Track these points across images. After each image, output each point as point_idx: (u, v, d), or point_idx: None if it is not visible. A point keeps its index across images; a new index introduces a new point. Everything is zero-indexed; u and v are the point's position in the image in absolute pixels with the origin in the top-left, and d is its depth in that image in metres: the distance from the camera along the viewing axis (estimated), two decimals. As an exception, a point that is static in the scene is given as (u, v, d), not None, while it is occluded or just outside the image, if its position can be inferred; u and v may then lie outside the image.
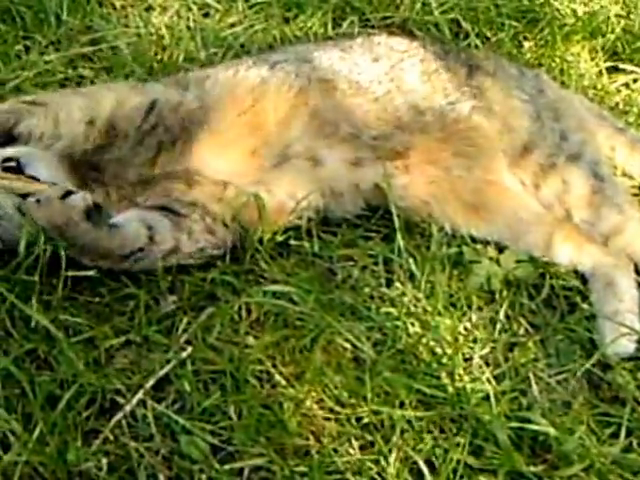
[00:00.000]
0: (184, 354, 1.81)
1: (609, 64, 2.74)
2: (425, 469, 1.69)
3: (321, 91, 2.12)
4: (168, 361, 1.80)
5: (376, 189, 2.11)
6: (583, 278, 2.10)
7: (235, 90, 2.10)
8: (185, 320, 1.88)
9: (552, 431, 1.74)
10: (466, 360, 1.88)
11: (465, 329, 1.95)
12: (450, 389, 1.79)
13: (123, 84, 2.07)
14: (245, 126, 2.07)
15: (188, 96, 2.06)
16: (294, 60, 2.17)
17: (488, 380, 1.84)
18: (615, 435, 1.79)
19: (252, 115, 2.08)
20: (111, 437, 1.69)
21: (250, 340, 1.86)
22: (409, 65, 2.20)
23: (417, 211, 2.12)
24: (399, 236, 2.05)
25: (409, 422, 1.75)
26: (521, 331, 1.97)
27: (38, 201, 1.81)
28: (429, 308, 1.95)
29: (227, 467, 1.67)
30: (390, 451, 1.71)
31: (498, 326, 1.96)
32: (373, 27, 2.69)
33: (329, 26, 2.67)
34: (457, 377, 1.81)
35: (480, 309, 2.00)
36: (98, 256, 1.87)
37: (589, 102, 2.42)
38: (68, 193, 1.83)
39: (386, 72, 2.17)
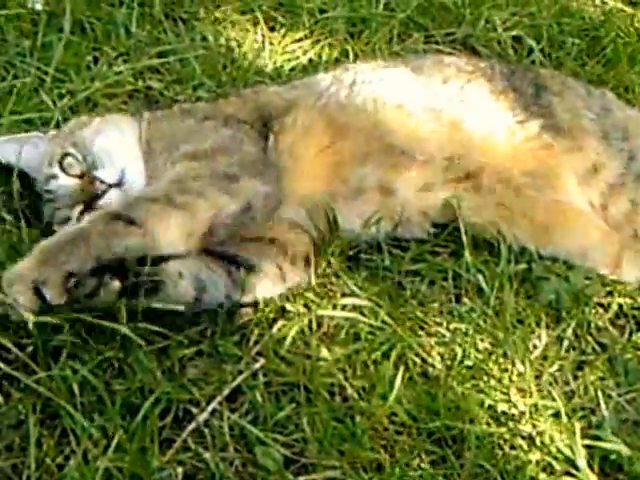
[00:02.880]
0: (256, 365, 1.83)
1: (674, 83, 2.74)
2: (498, 485, 1.70)
3: (395, 117, 2.14)
4: (240, 372, 1.82)
5: (445, 208, 2.12)
6: (651, 297, 2.11)
7: (314, 127, 2.12)
8: (257, 332, 1.90)
9: (624, 450, 1.74)
10: (536, 377, 1.88)
11: (534, 346, 1.96)
12: (521, 405, 1.80)
13: (212, 181, 1.93)
14: (324, 166, 2.08)
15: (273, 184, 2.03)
16: (369, 82, 2.19)
17: (558, 397, 1.84)
18: (686, 455, 1.79)
19: (329, 155, 2.09)
20: (186, 446, 1.71)
21: (322, 353, 1.88)
22: (477, 86, 2.21)
23: (486, 230, 2.12)
24: (467, 252, 2.06)
25: (480, 438, 1.76)
26: (589, 349, 1.98)
27: None
28: (498, 324, 1.96)
29: (301, 479, 1.69)
30: (462, 466, 1.72)
31: (566, 344, 1.97)
32: (437, 43, 2.71)
33: (394, 42, 2.68)
34: (528, 394, 1.82)
35: (548, 326, 2.00)
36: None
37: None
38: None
39: (456, 93, 2.19)
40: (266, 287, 1.97)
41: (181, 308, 1.85)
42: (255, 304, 1.96)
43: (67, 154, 2.03)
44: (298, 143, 2.09)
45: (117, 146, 2.05)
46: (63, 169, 2.03)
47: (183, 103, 2.36)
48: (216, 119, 2.11)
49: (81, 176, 2.02)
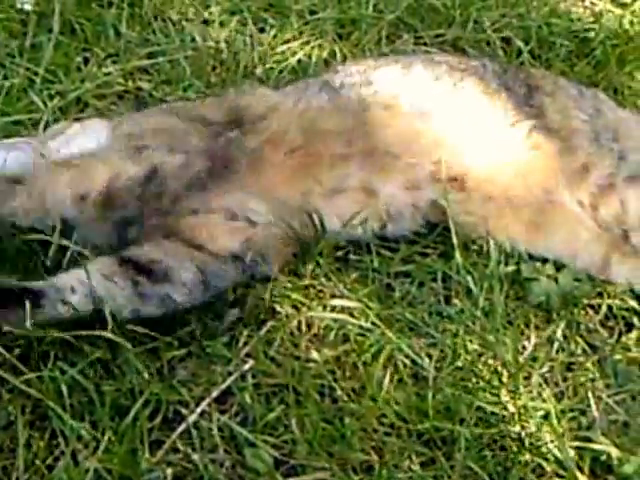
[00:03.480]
0: (246, 367, 1.83)
1: (662, 84, 2.76)
2: (487, 486, 1.70)
3: (382, 119, 2.13)
4: (230, 374, 1.82)
5: (434, 206, 2.12)
6: (640, 298, 2.11)
7: (287, 130, 2.10)
8: (246, 333, 1.89)
9: (614, 451, 1.74)
10: (525, 378, 1.88)
11: (524, 347, 1.96)
12: (511, 407, 1.80)
13: (120, 154, 1.90)
14: (293, 167, 2.06)
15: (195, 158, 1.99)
16: (357, 84, 2.19)
17: (548, 399, 1.84)
18: (676, 456, 1.79)
19: (304, 155, 2.08)
20: (176, 448, 1.71)
21: (311, 354, 1.88)
22: (469, 85, 2.21)
23: (475, 227, 2.12)
24: (457, 253, 2.06)
25: (470, 439, 1.76)
26: (579, 351, 1.98)
27: None
28: (488, 326, 1.96)
29: (290, 480, 1.70)
30: (452, 467, 1.72)
31: (556, 345, 1.97)
32: (426, 44, 2.71)
33: (383, 43, 2.68)
34: (517, 395, 1.82)
35: (538, 328, 2.01)
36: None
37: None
38: None
39: (447, 92, 2.19)
40: (183, 296, 1.88)
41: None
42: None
43: None
44: (266, 144, 2.07)
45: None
46: None
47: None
48: (179, 116, 2.11)
49: None
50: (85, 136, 2.07)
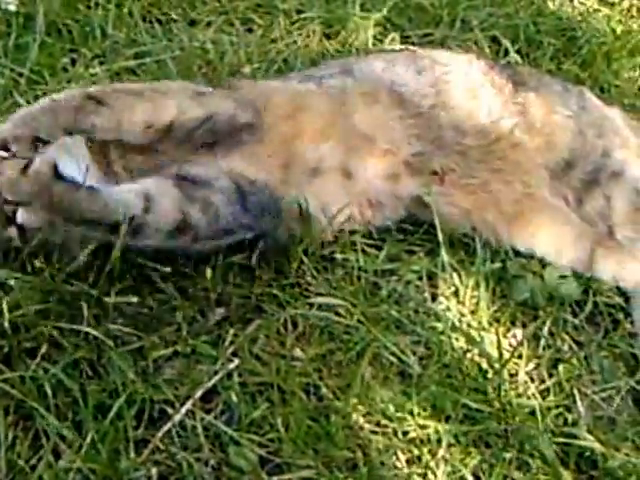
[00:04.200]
0: (231, 366, 1.82)
1: (648, 82, 2.76)
2: (472, 483, 1.70)
3: (361, 103, 2.13)
4: (216, 372, 1.81)
5: (416, 200, 2.13)
6: (626, 295, 2.11)
7: (277, 96, 2.12)
8: (232, 332, 1.89)
9: (598, 447, 1.74)
10: (511, 375, 1.89)
11: (510, 345, 1.96)
12: (496, 404, 1.80)
13: (184, 91, 2.05)
14: (281, 136, 2.07)
15: (242, 111, 2.07)
16: (338, 74, 2.19)
17: (533, 396, 1.84)
18: (660, 452, 1.79)
19: (290, 126, 2.08)
20: (161, 447, 1.70)
21: (296, 353, 1.87)
22: (454, 79, 2.21)
23: (459, 221, 2.13)
24: (443, 251, 2.06)
25: (455, 436, 1.76)
26: (565, 347, 1.98)
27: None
28: (474, 323, 1.97)
29: (275, 479, 1.68)
30: (437, 465, 1.72)
31: (542, 342, 1.97)
32: (413, 44, 2.70)
33: (370, 42, 2.68)
34: (503, 392, 1.82)
35: (524, 325, 2.01)
36: (87, 224, 1.80)
37: (631, 119, 2.43)
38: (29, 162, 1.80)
39: (431, 85, 2.18)
40: (227, 205, 1.94)
41: None
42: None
43: None
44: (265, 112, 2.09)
45: None
46: None
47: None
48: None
49: None
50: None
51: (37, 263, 1.83)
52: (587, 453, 1.76)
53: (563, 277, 2.07)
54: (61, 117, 1.88)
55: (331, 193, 2.07)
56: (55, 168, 1.80)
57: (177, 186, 1.91)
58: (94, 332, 1.79)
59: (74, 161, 1.87)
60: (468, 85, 2.22)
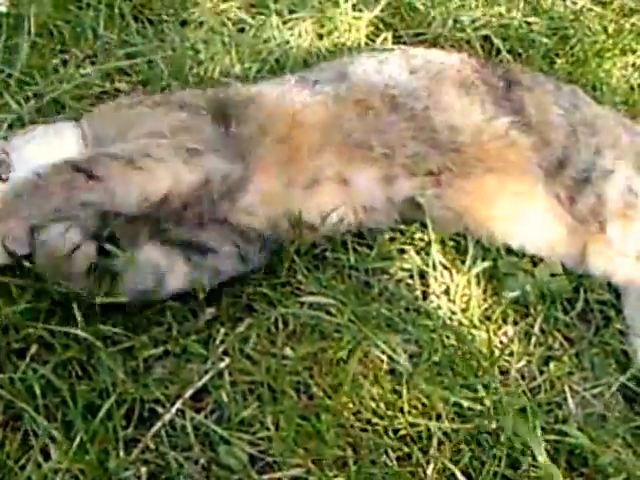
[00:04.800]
0: (222, 365, 1.82)
1: (641, 80, 2.76)
2: (462, 481, 1.70)
3: (356, 111, 2.13)
4: (206, 372, 1.81)
5: (410, 202, 2.12)
6: (617, 292, 2.11)
7: (274, 118, 2.10)
8: (222, 331, 1.88)
9: (588, 444, 1.74)
10: (502, 373, 1.88)
11: (501, 342, 1.96)
12: (487, 402, 1.80)
13: (177, 153, 1.95)
14: (279, 158, 2.07)
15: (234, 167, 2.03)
16: (332, 79, 2.19)
17: (524, 393, 1.84)
18: (651, 449, 1.79)
19: (287, 146, 2.08)
20: (150, 446, 1.70)
21: (287, 351, 1.87)
22: (447, 79, 2.21)
23: (452, 222, 2.13)
24: (434, 249, 2.06)
25: (446, 434, 1.76)
26: (556, 345, 1.98)
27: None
28: (465, 321, 1.96)
29: (265, 477, 1.69)
30: (428, 463, 1.71)
31: (533, 339, 1.97)
32: (405, 44, 2.70)
33: (362, 42, 2.68)
34: (493, 390, 1.81)
35: (515, 322, 2.01)
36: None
37: (622, 118, 2.43)
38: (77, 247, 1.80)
39: (424, 86, 2.18)
40: (227, 267, 1.97)
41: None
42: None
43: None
44: (258, 132, 2.07)
45: (42, 151, 2.01)
46: None
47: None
48: (170, 105, 2.11)
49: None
50: (51, 133, 2.06)
51: (26, 263, 1.83)
52: (578, 450, 1.76)
53: (554, 275, 2.07)
54: (53, 199, 1.81)
55: (327, 201, 2.07)
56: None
57: (186, 260, 1.93)
58: (83, 333, 1.78)
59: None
60: (461, 84, 2.21)
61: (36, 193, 1.81)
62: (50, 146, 2.02)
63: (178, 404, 1.76)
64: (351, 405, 1.78)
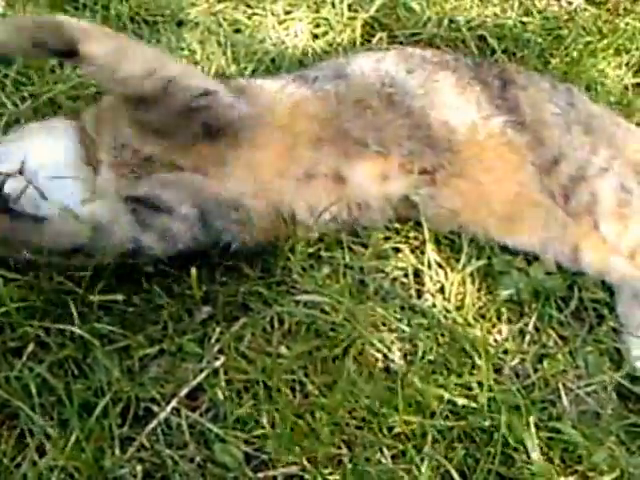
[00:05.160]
0: (217, 363, 1.83)
1: (634, 80, 2.76)
2: (457, 478, 1.70)
3: (354, 109, 2.14)
4: (201, 370, 1.82)
5: (405, 200, 2.13)
6: (611, 290, 2.12)
7: (277, 105, 2.12)
8: (218, 330, 1.89)
9: (582, 441, 1.75)
10: (496, 371, 1.89)
11: (495, 340, 1.97)
12: (481, 399, 1.80)
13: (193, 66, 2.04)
14: (278, 145, 2.07)
15: (241, 102, 2.06)
16: (332, 77, 2.19)
17: (518, 391, 1.85)
18: (645, 446, 1.80)
19: (286, 135, 2.08)
20: (146, 444, 1.71)
21: (282, 350, 1.87)
22: (442, 77, 2.22)
23: (447, 221, 2.14)
24: (429, 248, 2.07)
25: (440, 432, 1.76)
26: (550, 343, 1.99)
27: None
28: (459, 319, 1.97)
29: (260, 475, 1.69)
30: (422, 460, 1.72)
31: (527, 337, 1.98)
32: (401, 44, 2.71)
33: (357, 42, 2.69)
34: (487, 388, 1.82)
35: (510, 320, 2.01)
36: (27, 249, 1.80)
37: (617, 117, 2.44)
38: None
39: (420, 85, 2.19)
40: (182, 232, 1.92)
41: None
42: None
43: None
44: (262, 116, 2.08)
45: (30, 145, 2.02)
46: None
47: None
48: None
49: None
50: (42, 129, 2.08)
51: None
52: (571, 447, 1.77)
53: (548, 273, 2.08)
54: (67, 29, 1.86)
55: (322, 197, 2.08)
56: (6, 202, 1.79)
57: (130, 212, 1.89)
58: (79, 331, 1.79)
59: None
60: (457, 83, 2.22)
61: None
62: (39, 141, 2.03)
63: (173, 402, 1.76)
64: (346, 403, 1.79)
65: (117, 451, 1.68)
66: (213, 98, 2.00)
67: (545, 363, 1.93)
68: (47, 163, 1.96)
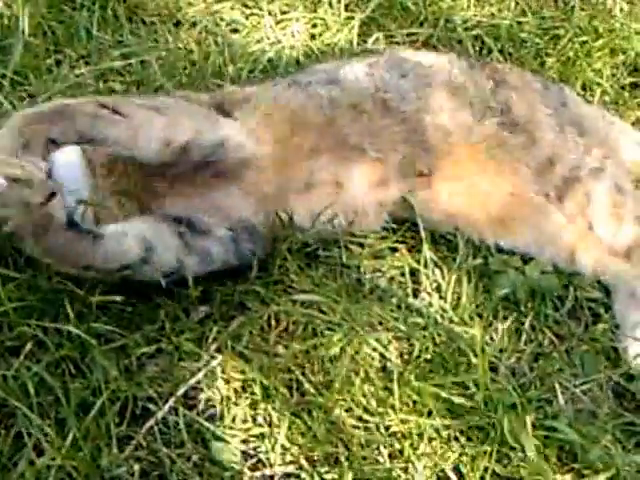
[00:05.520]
0: (214, 362, 1.84)
1: (630, 80, 2.77)
2: (453, 477, 1.71)
3: (349, 115, 2.14)
4: (199, 369, 1.82)
5: (401, 202, 2.14)
6: (606, 289, 2.12)
7: (274, 116, 2.12)
8: (215, 329, 1.90)
9: (578, 440, 1.75)
10: (492, 370, 1.89)
11: (491, 339, 1.98)
12: (477, 398, 1.81)
13: (198, 112, 2.02)
14: (277, 159, 2.08)
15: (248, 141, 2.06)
16: (325, 82, 2.20)
17: (514, 389, 1.85)
18: (640, 444, 1.80)
19: (285, 147, 2.09)
20: (143, 443, 1.71)
21: (279, 349, 1.88)
22: (437, 80, 2.22)
23: (443, 223, 2.15)
24: (425, 248, 2.07)
25: (437, 430, 1.77)
26: (546, 341, 2.00)
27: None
28: (455, 318, 1.98)
29: (257, 474, 1.70)
30: (418, 459, 1.73)
31: (523, 336, 1.99)
32: (398, 44, 2.72)
33: (354, 42, 2.70)
34: (484, 386, 1.82)
35: (506, 319, 2.02)
36: (78, 266, 1.82)
37: (611, 117, 2.44)
38: (52, 195, 1.76)
39: (414, 89, 2.19)
40: (219, 253, 1.96)
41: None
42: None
43: None
44: (260, 128, 2.08)
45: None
46: None
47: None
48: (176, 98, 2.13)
49: None
50: None
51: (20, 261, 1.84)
52: (567, 446, 1.77)
53: (544, 272, 2.09)
54: (78, 121, 1.82)
55: (321, 204, 2.08)
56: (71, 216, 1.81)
57: (177, 235, 1.92)
58: (77, 330, 1.79)
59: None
60: (450, 86, 2.23)
61: (64, 113, 1.82)
62: None
63: (171, 402, 1.77)
64: (343, 402, 1.80)
65: (115, 450, 1.68)
66: (225, 147, 2.00)
67: (541, 362, 1.94)
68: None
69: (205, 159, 1.97)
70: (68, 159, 1.92)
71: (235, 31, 2.73)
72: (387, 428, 1.78)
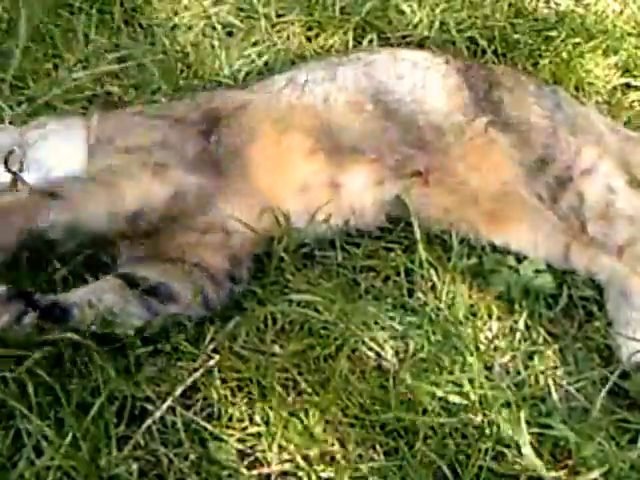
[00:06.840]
0: (211, 362, 1.84)
1: (622, 80, 2.79)
2: (449, 474, 1.72)
3: (345, 115, 2.16)
4: (196, 369, 1.83)
5: (397, 200, 2.16)
6: (599, 288, 2.13)
7: (261, 126, 2.13)
8: (212, 329, 1.90)
9: (572, 437, 1.77)
10: (487, 368, 1.90)
11: (486, 338, 1.99)
12: (472, 396, 1.82)
13: (144, 169, 1.95)
14: (270, 164, 2.09)
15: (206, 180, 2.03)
16: (321, 80, 2.22)
17: (509, 387, 1.86)
18: (633, 441, 1.82)
19: (278, 152, 2.11)
20: (142, 443, 1.72)
21: (276, 348, 1.89)
22: (431, 82, 2.24)
23: (438, 220, 2.16)
24: (420, 247, 2.08)
25: (432, 428, 1.78)
26: (540, 340, 2.00)
27: None
28: (450, 317, 1.99)
29: (255, 472, 1.71)
30: (414, 457, 1.74)
31: (518, 335, 2.00)
32: (392, 46, 2.73)
33: (349, 44, 2.71)
34: (479, 384, 1.84)
35: (500, 318, 2.03)
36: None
37: (604, 117, 2.46)
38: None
39: (410, 90, 2.21)
40: (187, 315, 1.92)
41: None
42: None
43: (12, 152, 2.03)
44: (243, 142, 2.10)
45: (53, 153, 2.05)
46: (6, 164, 2.02)
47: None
48: (165, 119, 2.12)
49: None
50: (63, 133, 2.09)
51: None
52: (562, 442, 1.78)
53: (538, 271, 2.10)
54: (13, 218, 1.78)
55: (318, 204, 2.10)
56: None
57: (144, 305, 1.89)
58: (73, 337, 1.80)
59: None
60: (445, 87, 2.25)
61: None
62: (60, 148, 2.05)
63: (169, 401, 1.77)
64: (339, 401, 1.80)
65: (113, 450, 1.68)
66: (181, 197, 1.98)
67: (535, 360, 1.95)
68: None
69: (166, 218, 1.96)
70: None
71: (231, 34, 2.74)
72: (383, 426, 1.79)
